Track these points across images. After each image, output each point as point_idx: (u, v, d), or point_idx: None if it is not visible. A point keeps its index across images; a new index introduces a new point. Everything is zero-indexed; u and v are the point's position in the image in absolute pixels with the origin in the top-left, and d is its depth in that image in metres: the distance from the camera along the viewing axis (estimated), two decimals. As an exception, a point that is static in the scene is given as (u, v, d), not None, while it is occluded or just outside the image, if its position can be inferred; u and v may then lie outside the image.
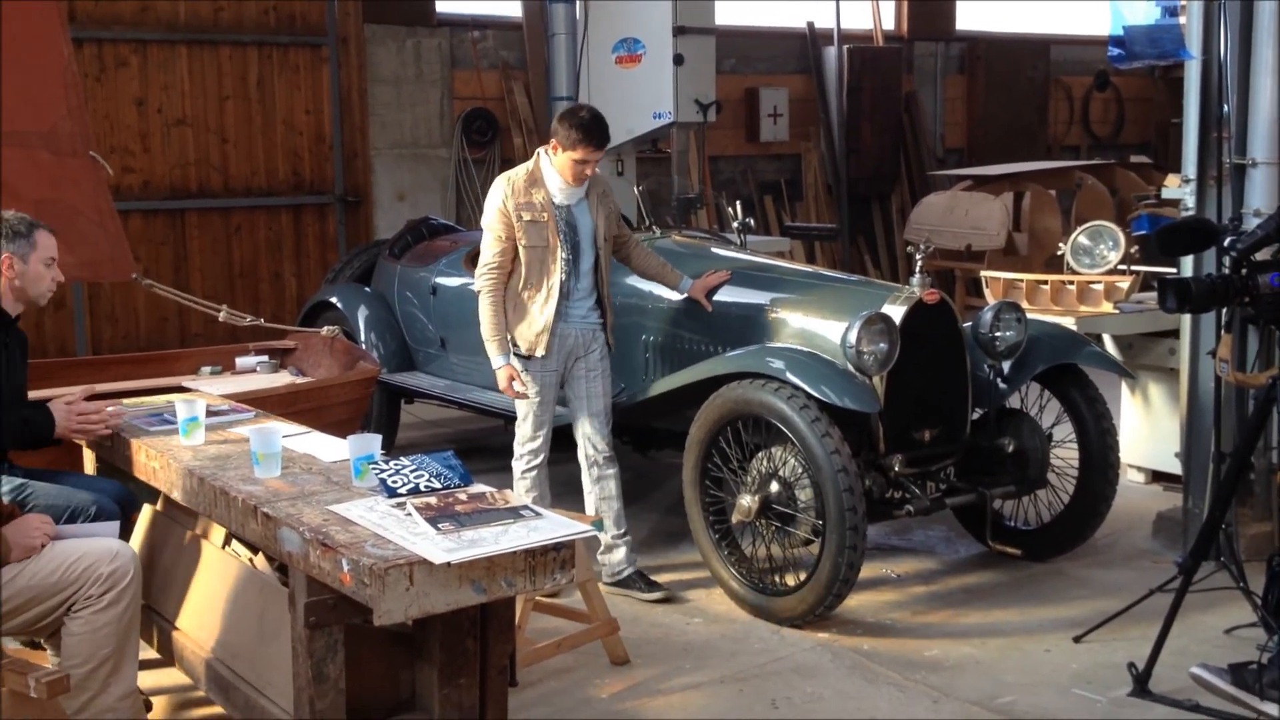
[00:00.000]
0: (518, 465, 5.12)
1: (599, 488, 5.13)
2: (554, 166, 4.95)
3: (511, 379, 4.98)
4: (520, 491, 5.00)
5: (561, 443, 5.23)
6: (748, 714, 4.13)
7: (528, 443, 5.09)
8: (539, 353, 4.97)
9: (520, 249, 4.93)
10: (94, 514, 3.83)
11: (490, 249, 4.97)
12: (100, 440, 4.12)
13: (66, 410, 3.99)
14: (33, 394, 4.97)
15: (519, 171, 5.02)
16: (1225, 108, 5.10)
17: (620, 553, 5.14)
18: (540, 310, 4.95)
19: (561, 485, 5.49)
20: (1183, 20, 5.24)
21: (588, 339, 5.07)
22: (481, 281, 4.99)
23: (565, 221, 4.97)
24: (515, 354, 5.00)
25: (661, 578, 5.23)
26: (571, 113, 4.93)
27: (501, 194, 4.94)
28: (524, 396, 5.02)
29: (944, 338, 5.04)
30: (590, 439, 5.11)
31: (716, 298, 5.42)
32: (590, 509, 5.12)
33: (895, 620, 4.89)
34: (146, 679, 3.67)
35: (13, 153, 5.58)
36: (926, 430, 5.00)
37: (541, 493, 5.07)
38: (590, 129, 4.85)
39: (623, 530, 5.15)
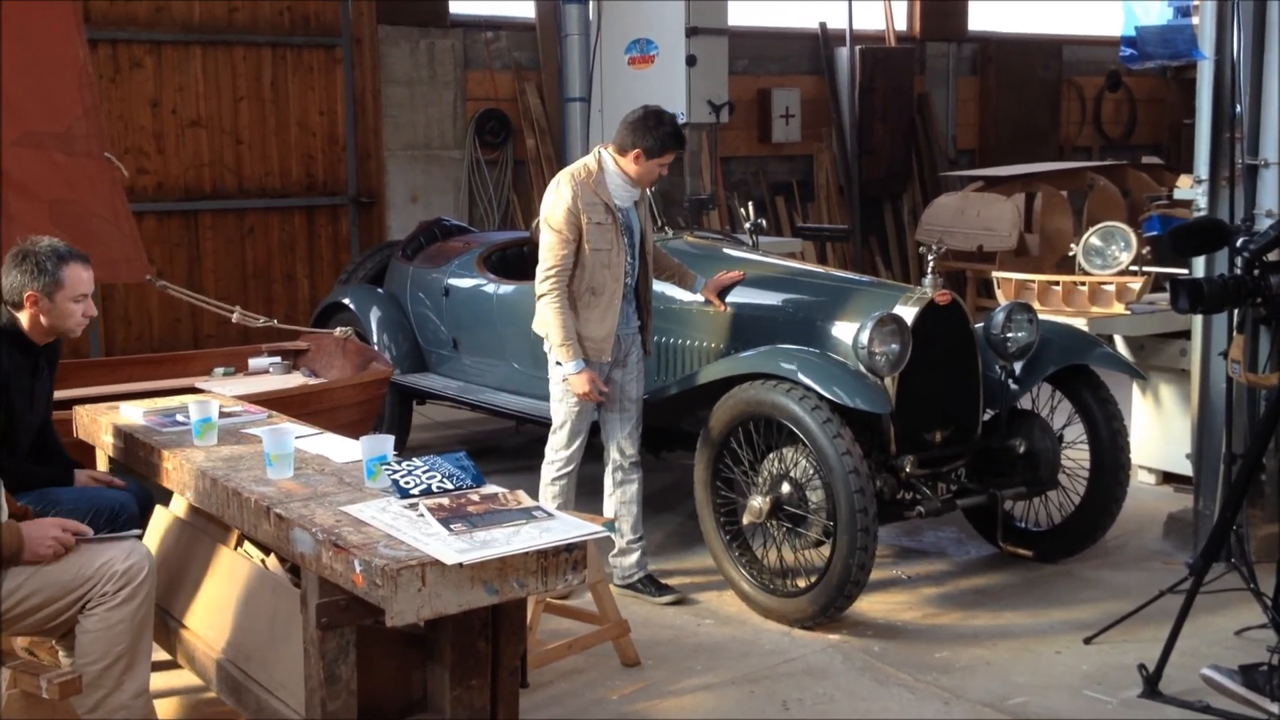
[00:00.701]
0: (548, 470, 5.05)
1: (620, 491, 5.10)
2: (623, 170, 4.86)
3: (593, 381, 4.85)
4: (547, 498, 4.95)
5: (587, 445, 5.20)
6: (759, 715, 4.13)
7: (561, 450, 5.02)
8: (606, 358, 4.89)
9: (586, 251, 4.82)
10: (119, 513, 3.85)
11: (555, 251, 4.80)
12: (113, 443, 4.14)
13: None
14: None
15: (581, 169, 4.90)
16: (1238, 108, 5.09)
17: (633, 557, 5.13)
18: (604, 315, 4.86)
19: (587, 487, 5.47)
20: (1195, 20, 5.23)
21: (629, 344, 5.04)
22: (547, 285, 4.82)
23: (624, 225, 4.92)
24: (557, 359, 4.90)
25: (673, 579, 5.24)
26: (655, 118, 4.84)
27: (571, 193, 4.80)
28: (603, 399, 4.95)
29: (955, 339, 5.04)
30: (620, 444, 5.06)
31: (728, 298, 5.42)
32: (609, 511, 5.10)
33: (906, 621, 4.89)
34: (157, 680, 3.68)
35: (28, 153, 5.62)
36: (938, 431, 5.00)
37: (567, 500, 5.00)
38: (679, 133, 4.89)
39: (639, 535, 5.14)
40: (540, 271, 4.86)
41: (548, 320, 4.85)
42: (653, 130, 4.81)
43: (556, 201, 4.83)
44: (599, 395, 4.90)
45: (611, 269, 4.86)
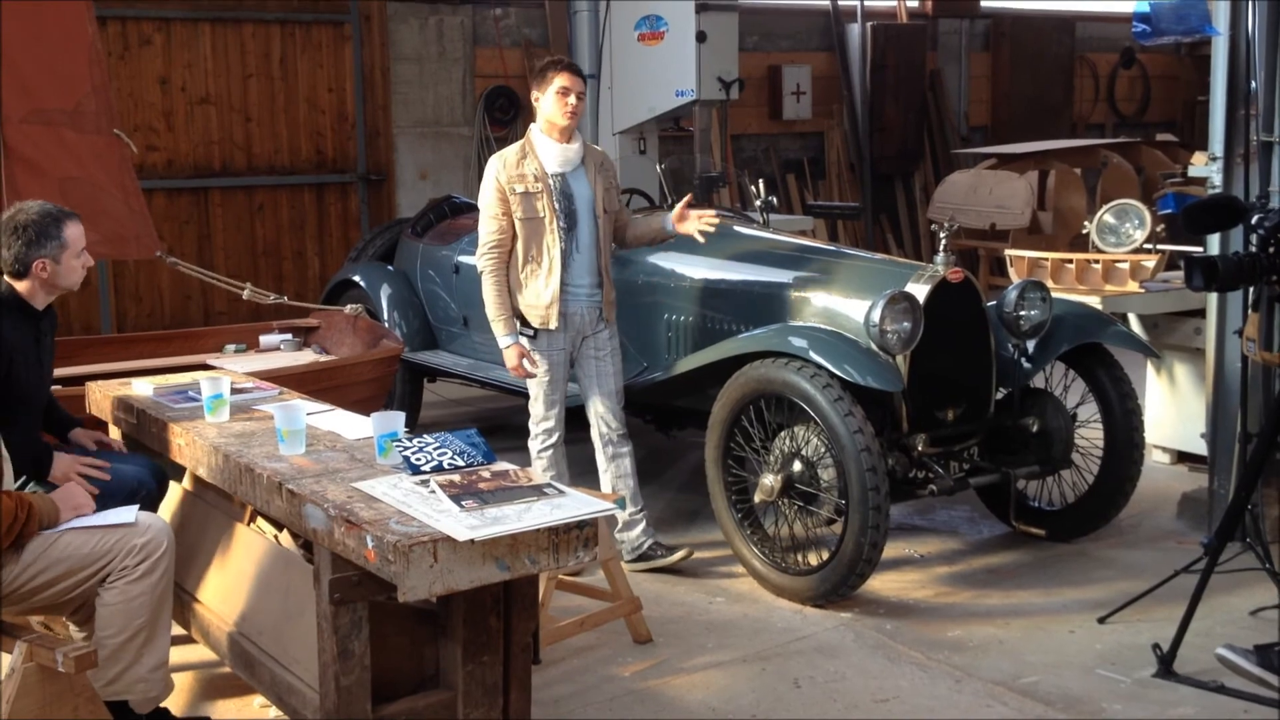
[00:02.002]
0: (533, 445, 5.14)
1: (615, 466, 5.13)
2: (544, 127, 4.95)
3: (521, 356, 4.97)
4: (538, 470, 5.00)
5: (577, 422, 5.23)
6: (770, 693, 4.14)
7: (541, 422, 5.10)
8: (551, 325, 4.95)
9: (516, 223, 4.92)
10: (138, 490, 3.85)
11: (488, 228, 4.97)
12: (126, 419, 4.14)
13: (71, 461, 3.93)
14: (59, 372, 5.01)
15: (510, 148, 5.04)
16: (1253, 84, 5.05)
17: (638, 529, 5.16)
18: (545, 283, 4.94)
19: (582, 464, 5.49)
20: (1210, -4, 5.19)
21: (594, 317, 5.05)
22: (483, 262, 4.98)
23: (560, 191, 4.95)
24: (523, 333, 4.99)
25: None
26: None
27: (494, 171, 4.95)
28: (533, 375, 5.03)
29: (968, 317, 5.02)
30: (603, 418, 5.11)
31: (739, 276, 5.42)
32: (606, 487, 5.12)
33: (918, 600, 4.89)
34: (171, 655, 3.69)
35: (38, 130, 5.62)
36: (950, 410, 4.98)
37: (560, 471, 5.08)
38: (558, 58, 5.00)
39: (639, 507, 5.17)
40: (478, 250, 5.02)
41: (485, 296, 4.99)
42: (536, 72, 4.99)
43: (484, 182, 5.00)
44: (525, 370, 4.97)
45: (543, 237, 4.93)
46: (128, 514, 3.52)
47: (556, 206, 4.93)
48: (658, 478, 6.39)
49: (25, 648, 3.25)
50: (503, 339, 4.99)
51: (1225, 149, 5.19)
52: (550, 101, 4.91)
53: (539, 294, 4.95)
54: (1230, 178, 5.19)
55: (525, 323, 5.00)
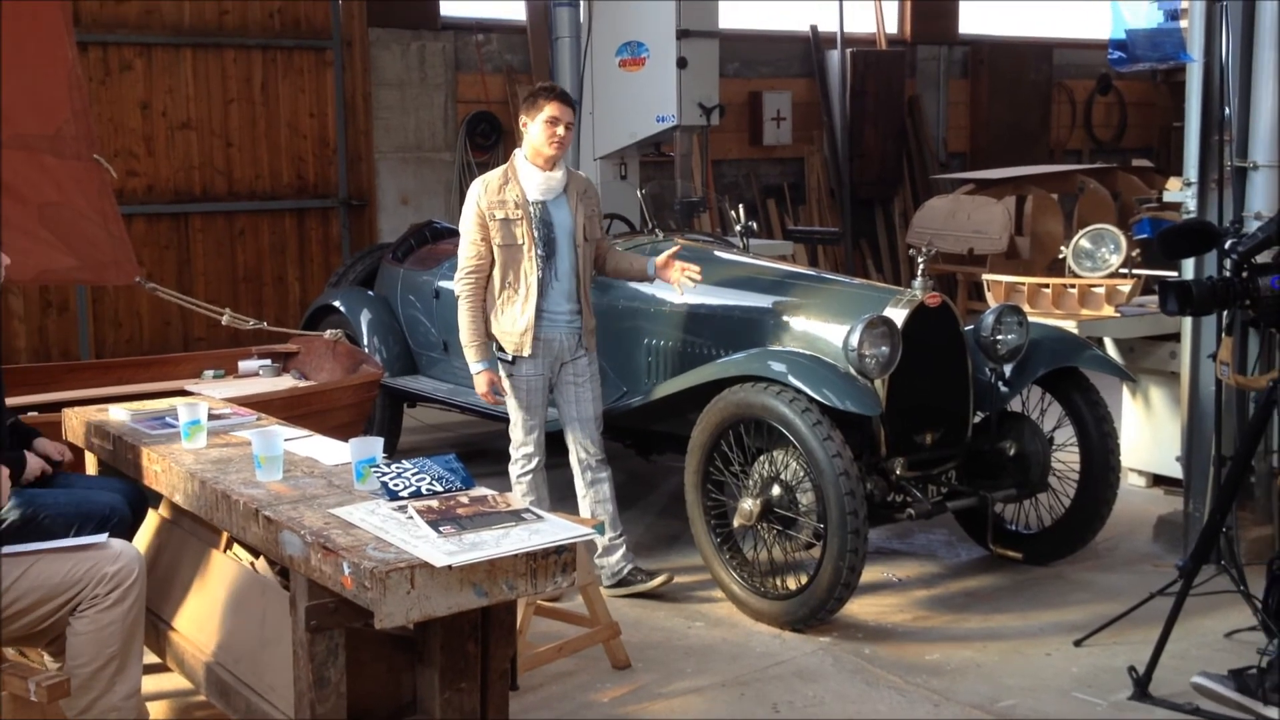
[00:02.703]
0: (513, 470, 5.14)
1: (594, 491, 5.13)
2: (530, 153, 4.95)
3: (492, 383, 4.98)
4: (517, 496, 5.00)
5: (558, 447, 5.24)
6: (749, 718, 4.13)
7: (520, 447, 5.10)
8: (525, 352, 4.96)
9: (495, 249, 4.93)
10: (109, 518, 3.83)
11: (467, 253, 4.97)
12: (102, 445, 4.13)
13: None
14: (36, 398, 4.98)
15: (493, 173, 5.04)
16: (1227, 111, 5.10)
17: (617, 554, 5.15)
18: (521, 310, 4.94)
19: (562, 488, 5.49)
20: (1184, 23, 5.24)
21: (573, 344, 5.05)
22: (460, 286, 4.98)
23: (540, 219, 4.95)
24: (500, 358, 5.01)
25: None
26: (531, 91, 5.03)
27: (474, 196, 4.96)
28: (500, 402, 5.04)
29: (946, 341, 5.04)
30: (582, 444, 5.11)
31: (719, 301, 5.43)
32: (585, 512, 5.12)
33: (897, 624, 4.90)
34: (146, 683, 3.67)
35: (17, 155, 5.60)
36: (928, 433, 5.00)
37: (540, 496, 5.07)
38: (551, 86, 4.99)
39: (619, 532, 5.17)
40: (456, 275, 5.03)
41: (459, 320, 5.02)
42: (528, 93, 4.99)
43: (465, 207, 5.01)
44: (495, 397, 5.01)
45: (520, 264, 4.93)
46: (99, 536, 3.51)
47: (535, 234, 4.92)
48: (637, 502, 6.39)
49: (-2, 676, 3.23)
50: (474, 365, 5.01)
51: (1200, 174, 5.24)
52: (538, 129, 4.90)
53: (514, 320, 4.95)
54: (1205, 203, 5.23)
55: (502, 348, 5.01)
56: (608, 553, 5.15)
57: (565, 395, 5.10)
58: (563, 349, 5.03)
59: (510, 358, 4.99)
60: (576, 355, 5.06)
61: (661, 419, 5.57)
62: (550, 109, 4.86)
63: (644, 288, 5.65)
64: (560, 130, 4.88)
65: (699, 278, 5.09)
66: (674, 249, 5.19)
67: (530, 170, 4.96)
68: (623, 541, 5.18)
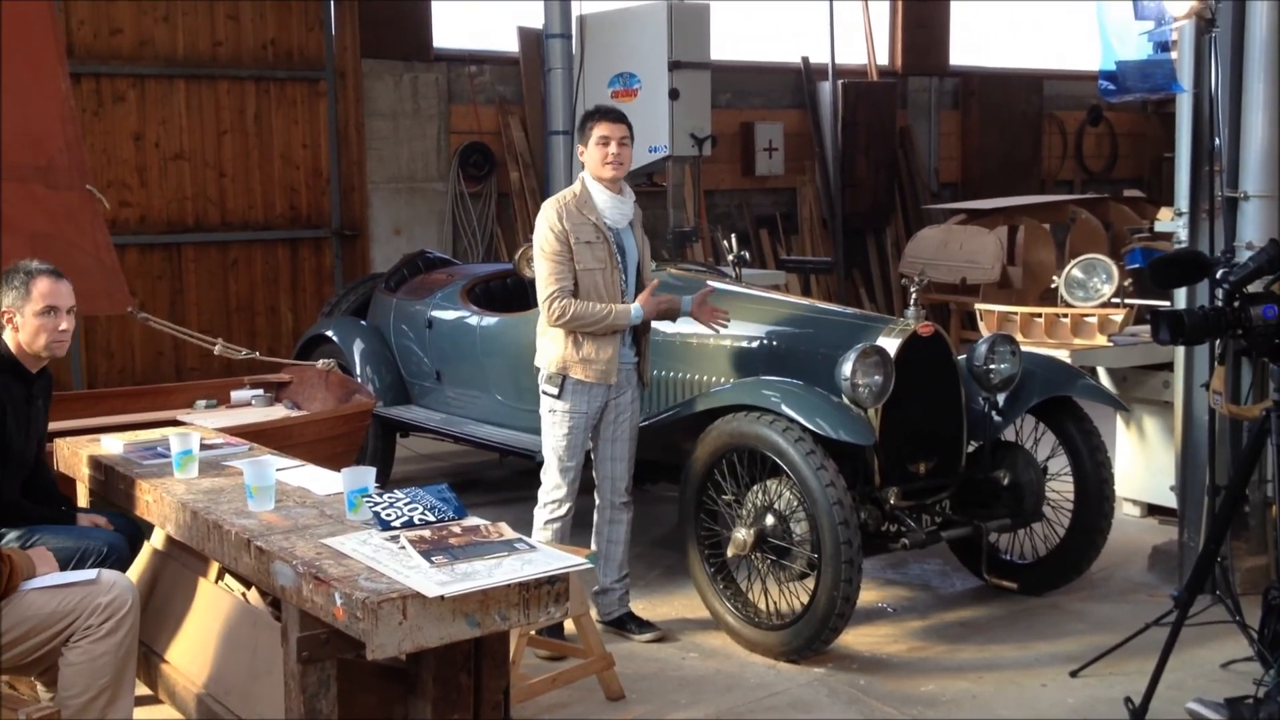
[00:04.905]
0: (540, 514, 4.91)
1: (610, 530, 5.03)
2: (594, 177, 4.79)
3: (650, 294, 4.77)
4: (540, 541, 4.86)
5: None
6: (743, 749, 4.11)
7: (553, 491, 4.87)
8: (611, 380, 4.77)
9: (578, 272, 4.72)
10: (107, 555, 3.82)
11: (552, 275, 4.69)
12: (94, 476, 4.11)
13: None
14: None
15: (566, 193, 4.84)
16: (1217, 141, 5.13)
17: (614, 595, 5.08)
18: (608, 336, 4.74)
19: (577, 516, 5.40)
20: (1174, 55, 5.27)
21: (627, 374, 4.91)
22: (558, 305, 4.67)
23: (617, 244, 4.82)
24: (546, 392, 4.78)
25: (656, 611, 5.22)
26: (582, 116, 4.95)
27: (554, 214, 4.73)
28: (726, 320, 4.94)
29: (939, 370, 5.04)
30: (612, 481, 4.97)
31: (712, 330, 5.42)
32: (593, 544, 5.05)
33: (891, 654, 4.88)
34: (137, 715, 3.64)
35: (10, 187, 5.60)
36: (922, 463, 5.00)
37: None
38: (597, 107, 4.89)
39: (623, 574, 5.08)
40: (543, 301, 4.73)
41: (581, 319, 4.68)
42: (578, 128, 4.90)
43: (543, 228, 4.75)
44: (663, 303, 4.83)
45: (607, 289, 4.76)
46: (89, 573, 3.49)
47: (618, 260, 4.81)
48: (636, 532, 6.34)
49: (-12, 708, 3.21)
50: (628, 315, 4.74)
51: (1191, 204, 5.26)
52: (592, 154, 4.75)
53: (602, 346, 4.75)
54: (1196, 232, 5.25)
55: (550, 379, 4.79)
56: (605, 593, 5.06)
57: (604, 431, 4.91)
58: (622, 382, 4.88)
59: (556, 391, 4.78)
60: (622, 390, 4.88)
61: (655, 448, 5.55)
62: (600, 129, 4.73)
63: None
64: (613, 149, 4.71)
65: (728, 321, 5.05)
66: (706, 290, 5.11)
67: (603, 193, 4.79)
68: (624, 585, 5.09)
